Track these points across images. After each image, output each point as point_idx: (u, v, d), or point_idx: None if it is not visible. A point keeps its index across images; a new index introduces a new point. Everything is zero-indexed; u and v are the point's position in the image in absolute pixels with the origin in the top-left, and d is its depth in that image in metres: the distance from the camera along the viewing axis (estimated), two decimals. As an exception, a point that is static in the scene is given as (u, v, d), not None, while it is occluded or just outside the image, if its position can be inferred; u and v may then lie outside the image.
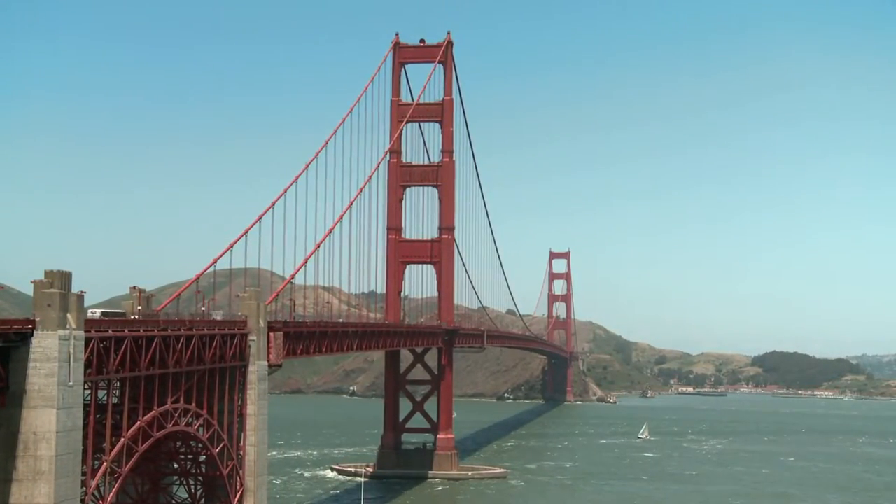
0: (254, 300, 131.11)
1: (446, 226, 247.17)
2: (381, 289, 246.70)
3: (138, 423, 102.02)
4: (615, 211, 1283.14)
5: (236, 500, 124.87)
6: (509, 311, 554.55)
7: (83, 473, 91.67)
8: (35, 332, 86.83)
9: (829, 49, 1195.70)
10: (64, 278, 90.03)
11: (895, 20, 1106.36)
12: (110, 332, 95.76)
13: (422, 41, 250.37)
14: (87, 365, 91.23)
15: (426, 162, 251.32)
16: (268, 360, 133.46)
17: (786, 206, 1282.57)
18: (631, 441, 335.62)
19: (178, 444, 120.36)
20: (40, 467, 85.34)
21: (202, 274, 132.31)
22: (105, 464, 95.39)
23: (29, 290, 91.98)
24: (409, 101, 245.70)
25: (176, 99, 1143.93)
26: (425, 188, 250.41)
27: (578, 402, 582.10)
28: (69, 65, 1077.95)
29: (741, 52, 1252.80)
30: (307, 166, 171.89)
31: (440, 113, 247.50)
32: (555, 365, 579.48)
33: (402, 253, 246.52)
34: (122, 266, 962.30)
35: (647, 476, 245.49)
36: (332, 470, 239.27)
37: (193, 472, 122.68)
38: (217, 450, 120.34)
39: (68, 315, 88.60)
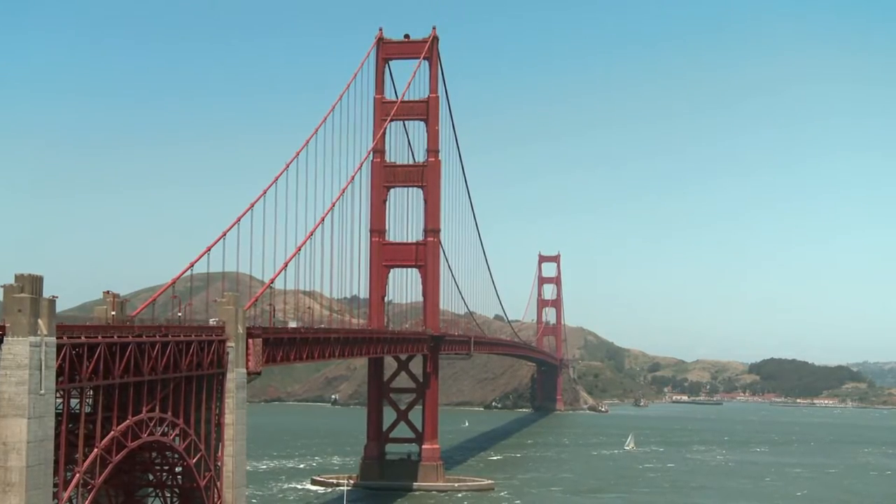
0: (232, 305, 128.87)
1: (432, 228, 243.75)
2: (364, 293, 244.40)
3: (112, 432, 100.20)
4: (607, 213, 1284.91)
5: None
6: (497, 317, 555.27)
7: (55, 485, 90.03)
8: (5, 339, 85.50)
9: (828, 46, 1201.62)
10: (35, 282, 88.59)
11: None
12: (83, 338, 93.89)
13: (406, 36, 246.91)
14: (59, 372, 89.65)
15: (411, 162, 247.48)
16: (246, 368, 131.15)
17: (785, 209, 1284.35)
18: (626, 452, 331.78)
19: (154, 454, 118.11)
20: (10, 478, 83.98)
21: (178, 278, 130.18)
22: (78, 475, 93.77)
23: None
24: (393, 98, 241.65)
25: (151, 98, 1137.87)
26: (410, 189, 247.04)
27: (569, 411, 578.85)
28: (43, 63, 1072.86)
29: (735, 49, 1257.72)
30: (287, 166, 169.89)
31: (425, 111, 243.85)
32: (544, 372, 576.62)
33: (385, 256, 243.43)
34: (95, 270, 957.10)
35: (648, 488, 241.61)
36: (314, 482, 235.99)
37: (169, 483, 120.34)
38: (194, 460, 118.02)
39: (39, 321, 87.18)
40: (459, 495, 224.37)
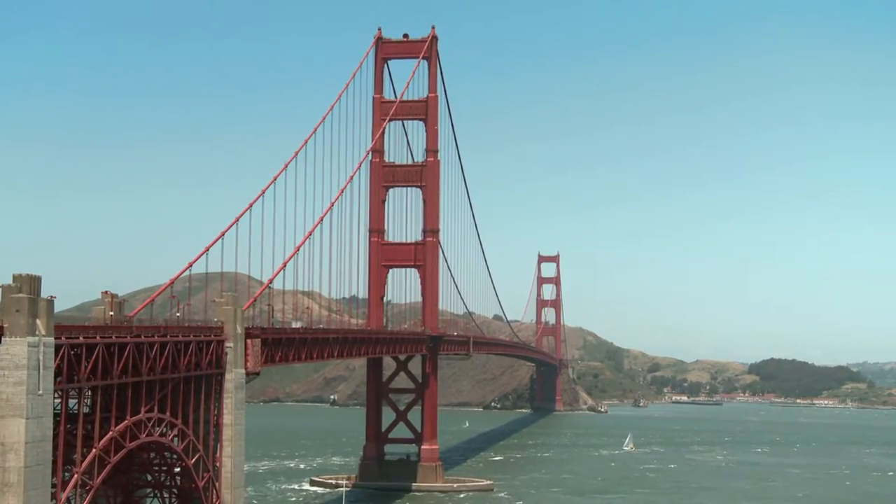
0: (231, 305, 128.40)
1: (431, 228, 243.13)
2: (362, 293, 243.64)
3: (110, 433, 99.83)
4: (606, 213, 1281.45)
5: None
6: (496, 317, 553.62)
7: (53, 486, 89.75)
8: (3, 339, 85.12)
9: (825, 45, 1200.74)
10: (33, 282, 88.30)
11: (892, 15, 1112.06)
12: (81, 338, 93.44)
13: (405, 36, 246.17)
14: (58, 373, 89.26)
15: (410, 162, 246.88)
16: (245, 368, 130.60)
17: (784, 209, 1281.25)
18: (625, 453, 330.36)
19: (152, 455, 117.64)
20: (9, 479, 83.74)
21: (177, 278, 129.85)
22: (76, 475, 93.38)
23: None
24: (392, 98, 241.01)
25: (149, 97, 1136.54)
26: (409, 189, 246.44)
27: (568, 411, 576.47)
28: (41, 62, 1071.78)
29: (734, 48, 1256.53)
30: (286, 166, 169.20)
31: (424, 111, 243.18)
32: (543, 373, 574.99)
33: (384, 256, 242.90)
34: (93, 270, 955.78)
35: (648, 489, 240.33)
36: (313, 482, 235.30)
37: (168, 484, 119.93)
38: (192, 461, 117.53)
39: (37, 321, 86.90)
40: (460, 496, 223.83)
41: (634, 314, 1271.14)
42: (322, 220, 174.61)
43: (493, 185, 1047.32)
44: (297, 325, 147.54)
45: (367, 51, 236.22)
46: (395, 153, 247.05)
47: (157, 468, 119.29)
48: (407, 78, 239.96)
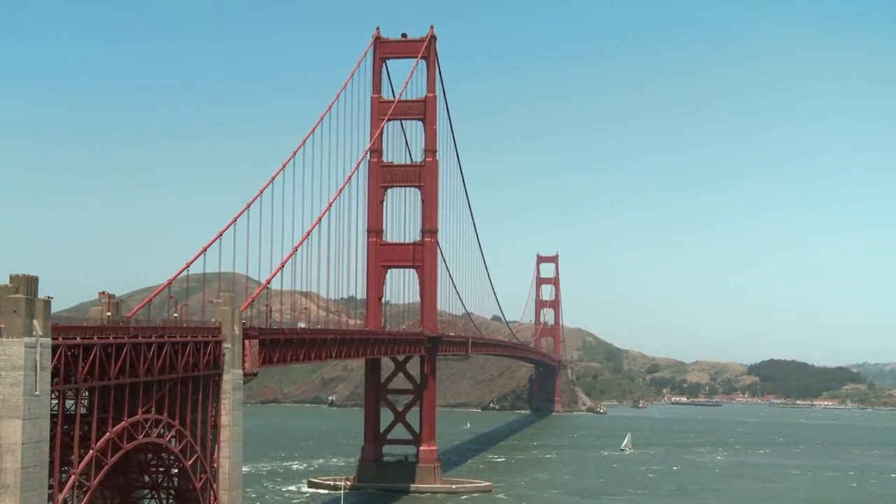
0: (228, 306, 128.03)
1: (429, 228, 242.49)
2: (360, 294, 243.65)
3: (108, 434, 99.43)
4: (606, 213, 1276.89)
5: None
6: (495, 318, 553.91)
7: (50, 487, 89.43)
8: (0, 340, 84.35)
9: (823, 45, 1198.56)
10: (30, 283, 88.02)
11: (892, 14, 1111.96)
12: (78, 339, 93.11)
13: (404, 35, 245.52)
14: (55, 373, 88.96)
15: (408, 162, 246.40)
16: (243, 369, 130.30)
17: (784, 209, 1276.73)
18: (623, 454, 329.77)
19: (150, 456, 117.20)
20: (5, 480, 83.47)
21: (174, 279, 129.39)
22: (73, 477, 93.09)
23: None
24: (391, 98, 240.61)
25: (146, 97, 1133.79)
26: (407, 189, 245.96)
27: (567, 412, 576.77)
28: (34, 61, 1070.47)
29: (731, 49, 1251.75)
30: (284, 166, 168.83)
31: (423, 111, 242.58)
32: (542, 373, 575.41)
33: (382, 257, 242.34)
34: (90, 270, 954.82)
35: (648, 490, 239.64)
36: (311, 483, 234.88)
37: (165, 485, 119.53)
38: (190, 462, 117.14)
39: (35, 321, 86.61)
40: (463, 497, 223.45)
41: (634, 315, 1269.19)
42: (320, 220, 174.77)
43: (492, 185, 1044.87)
44: (301, 325, 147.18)
45: (366, 50, 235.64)
46: (394, 153, 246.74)
47: (154, 469, 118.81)
48: (405, 78, 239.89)
